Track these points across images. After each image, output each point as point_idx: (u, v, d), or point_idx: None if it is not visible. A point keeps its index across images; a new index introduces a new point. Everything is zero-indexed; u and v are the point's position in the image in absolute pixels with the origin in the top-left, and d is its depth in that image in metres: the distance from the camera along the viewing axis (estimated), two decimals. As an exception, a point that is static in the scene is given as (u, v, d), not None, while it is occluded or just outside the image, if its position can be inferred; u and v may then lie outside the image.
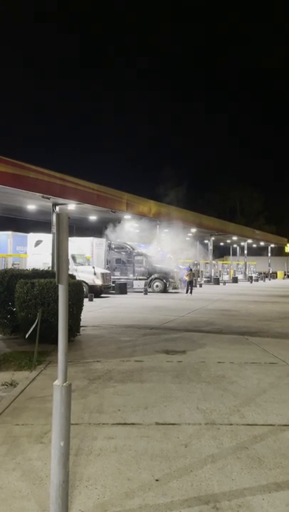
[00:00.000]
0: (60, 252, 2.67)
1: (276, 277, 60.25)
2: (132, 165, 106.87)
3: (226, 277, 45.60)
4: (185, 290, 25.20)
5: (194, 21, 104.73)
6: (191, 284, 25.10)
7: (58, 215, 2.68)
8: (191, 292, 24.69)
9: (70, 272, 16.60)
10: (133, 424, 4.35)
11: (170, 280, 26.76)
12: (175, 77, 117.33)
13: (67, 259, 2.73)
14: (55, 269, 2.70)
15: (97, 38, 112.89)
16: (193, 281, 26.07)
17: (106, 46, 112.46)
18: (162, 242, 33.15)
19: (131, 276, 26.68)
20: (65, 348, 2.67)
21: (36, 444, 3.87)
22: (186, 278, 25.50)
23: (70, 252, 21.37)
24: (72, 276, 11.54)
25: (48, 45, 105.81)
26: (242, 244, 53.87)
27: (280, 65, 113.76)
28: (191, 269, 26.07)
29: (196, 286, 29.80)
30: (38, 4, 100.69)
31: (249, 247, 54.57)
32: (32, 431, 4.15)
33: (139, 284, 26.30)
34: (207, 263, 43.92)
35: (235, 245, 58.02)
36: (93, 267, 22.18)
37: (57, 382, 2.67)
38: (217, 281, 39.24)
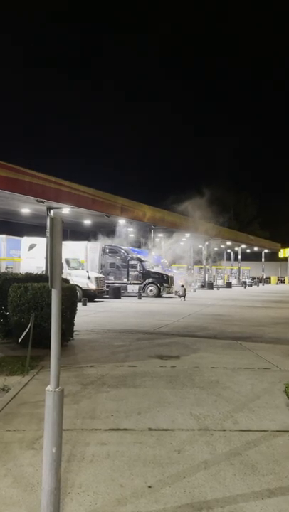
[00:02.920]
0: (53, 256, 2.66)
1: (270, 282, 60.47)
2: (127, 169, 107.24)
3: (219, 282, 45.72)
4: (179, 294, 25.29)
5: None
6: (184, 290, 25.22)
7: (52, 219, 2.67)
8: (183, 299, 24.73)
9: (64, 276, 16.56)
10: (126, 429, 4.32)
11: (164, 285, 26.76)
12: (171, 82, 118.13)
13: (61, 264, 2.71)
14: (48, 273, 2.68)
15: (98, 39, 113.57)
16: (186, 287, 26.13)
17: (104, 47, 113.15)
18: (157, 246, 33.20)
19: (125, 280, 26.64)
20: (57, 353, 2.65)
21: (28, 450, 3.83)
22: (180, 282, 25.65)
23: (64, 256, 21.33)
24: (66, 281, 11.49)
25: (46, 46, 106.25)
26: (236, 249, 54.06)
27: (277, 70, 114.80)
28: (182, 285, 26.11)
29: (190, 291, 29.80)
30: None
31: (243, 252, 54.75)
32: (24, 437, 4.10)
33: (133, 289, 26.27)
34: (201, 268, 44.00)
35: (229, 250, 58.20)
36: (87, 271, 22.13)
37: (49, 388, 2.65)
38: (211, 286, 39.30)
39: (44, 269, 21.01)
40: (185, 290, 25.24)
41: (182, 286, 25.47)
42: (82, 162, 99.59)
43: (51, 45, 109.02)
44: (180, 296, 24.90)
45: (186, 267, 39.83)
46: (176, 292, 26.17)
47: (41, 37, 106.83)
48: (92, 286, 21.47)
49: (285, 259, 66.05)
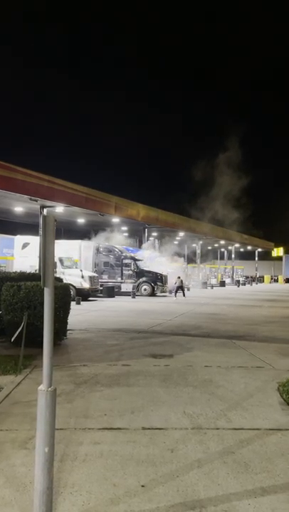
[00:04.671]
0: (45, 254, 2.64)
1: (263, 281, 60.72)
2: (121, 167, 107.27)
3: (213, 281, 45.84)
4: (174, 294, 25.41)
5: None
6: (182, 289, 25.44)
7: (44, 218, 2.65)
8: (175, 296, 24.96)
9: (58, 275, 16.50)
10: (119, 428, 4.31)
11: (158, 284, 26.78)
12: (172, 82, 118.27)
13: (53, 262, 2.69)
14: (41, 272, 2.66)
15: (95, 38, 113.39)
16: (183, 286, 26.32)
17: (101, 46, 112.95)
18: (151, 245, 33.18)
19: (119, 279, 26.62)
20: (50, 352, 2.63)
21: (20, 449, 3.81)
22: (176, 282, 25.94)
23: (58, 255, 21.27)
24: (60, 280, 11.45)
25: (46, 45, 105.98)
26: (229, 248, 54.20)
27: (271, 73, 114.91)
28: (179, 277, 26.35)
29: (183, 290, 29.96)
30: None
31: (237, 251, 54.94)
32: (16, 436, 4.08)
33: (127, 288, 26.26)
34: (195, 267, 44.08)
35: (222, 249, 58.33)
36: (81, 270, 22.07)
37: (41, 387, 2.63)
38: (205, 285, 39.39)
39: (37, 267, 20.93)
40: (182, 288, 25.38)
41: (179, 286, 25.57)
42: (82, 162, 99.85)
43: (51, 44, 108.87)
44: (177, 292, 24.98)
45: (179, 266, 39.87)
46: (175, 292, 26.05)
47: (42, 37, 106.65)
48: (86, 285, 21.42)
49: (278, 258, 66.36)
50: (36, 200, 20.59)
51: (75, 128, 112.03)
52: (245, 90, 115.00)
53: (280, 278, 63.07)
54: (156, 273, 27.23)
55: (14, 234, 26.14)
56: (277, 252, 65.27)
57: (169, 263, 33.37)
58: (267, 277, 62.60)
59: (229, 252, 56.48)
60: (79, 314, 14.46)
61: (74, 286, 20.38)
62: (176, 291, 25.21)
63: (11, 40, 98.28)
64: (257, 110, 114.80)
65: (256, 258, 58.81)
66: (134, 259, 27.12)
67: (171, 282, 27.93)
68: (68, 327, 9.47)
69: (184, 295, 25.33)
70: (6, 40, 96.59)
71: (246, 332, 11.27)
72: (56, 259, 21.27)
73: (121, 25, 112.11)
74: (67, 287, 9.40)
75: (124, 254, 27.27)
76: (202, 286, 38.72)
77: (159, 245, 35.39)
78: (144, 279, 26.61)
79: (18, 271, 11.16)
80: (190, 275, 40.35)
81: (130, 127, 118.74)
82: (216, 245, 51.60)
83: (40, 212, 22.24)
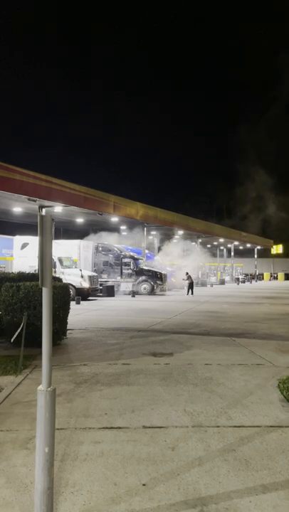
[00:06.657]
0: (43, 254, 2.63)
1: (262, 279, 60.76)
2: (120, 167, 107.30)
3: (213, 279, 45.85)
4: (186, 292, 26.28)
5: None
6: (191, 286, 26.09)
7: (41, 217, 2.64)
8: (192, 293, 25.71)
9: (57, 275, 16.50)
10: (120, 428, 4.31)
11: (158, 282, 26.80)
12: (163, 78, 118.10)
13: (51, 262, 2.68)
14: (39, 271, 2.66)
15: (99, 39, 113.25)
16: (193, 284, 26.88)
17: (105, 47, 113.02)
18: (150, 244, 33.19)
19: (118, 278, 26.63)
20: (49, 352, 2.63)
21: (21, 450, 3.81)
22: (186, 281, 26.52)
23: (57, 254, 21.26)
24: (59, 279, 11.45)
25: (46, 46, 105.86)
26: (228, 246, 54.19)
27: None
28: (187, 273, 27.15)
29: (183, 288, 30.04)
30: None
31: (236, 249, 54.91)
32: (17, 437, 4.08)
33: (126, 287, 26.28)
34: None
35: (222, 247, 58.32)
36: (80, 270, 22.07)
37: (41, 387, 2.62)
38: (204, 283, 39.39)
39: (37, 268, 20.89)
40: (192, 287, 25.84)
41: (190, 283, 26.02)
42: (81, 162, 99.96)
43: (52, 44, 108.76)
44: (189, 289, 25.61)
45: (179, 265, 39.90)
46: (188, 290, 26.34)
47: (41, 37, 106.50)
48: (86, 284, 21.43)
49: (277, 256, 66.38)
50: (35, 200, 20.57)
51: (75, 128, 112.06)
52: (246, 89, 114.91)
53: (280, 275, 63.13)
54: (155, 271, 27.26)
55: (13, 234, 26.07)
56: (276, 249, 65.31)
57: (168, 261, 33.39)
58: (266, 274, 62.67)
59: (228, 250, 56.46)
60: (79, 314, 14.46)
61: (73, 286, 20.41)
62: (188, 289, 25.86)
63: (11, 39, 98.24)
64: (257, 109, 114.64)
65: (255, 256, 58.82)
66: (134, 258, 27.12)
67: (170, 281, 28.06)
68: (68, 327, 9.47)
69: (187, 293, 25.69)
70: (6, 40, 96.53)
71: (246, 329, 11.27)
72: (56, 259, 21.26)
73: (121, 26, 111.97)
74: (66, 287, 9.39)
75: (123, 253, 27.27)
76: (201, 285, 38.73)
77: (158, 243, 35.42)
78: (143, 277, 26.62)
79: (18, 271, 11.14)
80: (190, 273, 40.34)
81: (130, 127, 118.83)
82: (215, 243, 51.56)
83: (39, 212, 22.22)
